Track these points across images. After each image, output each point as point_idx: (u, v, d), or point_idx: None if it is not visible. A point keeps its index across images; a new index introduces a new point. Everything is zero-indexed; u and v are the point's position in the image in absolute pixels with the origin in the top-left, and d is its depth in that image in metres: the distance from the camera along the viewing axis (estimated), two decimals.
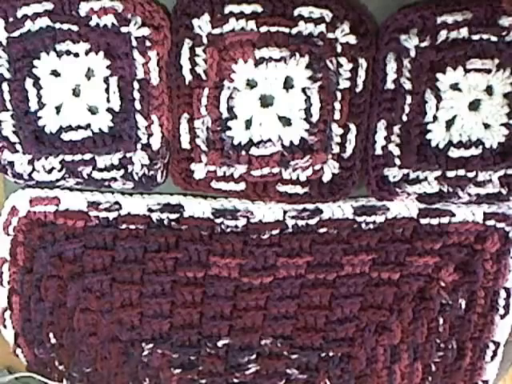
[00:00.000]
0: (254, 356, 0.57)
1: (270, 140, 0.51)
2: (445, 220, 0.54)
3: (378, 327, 0.55)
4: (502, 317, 0.56)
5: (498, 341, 0.57)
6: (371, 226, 0.54)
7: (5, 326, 0.56)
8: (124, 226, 0.54)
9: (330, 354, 0.56)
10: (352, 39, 0.48)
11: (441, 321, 0.55)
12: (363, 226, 0.54)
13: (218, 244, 0.55)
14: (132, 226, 0.54)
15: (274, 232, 0.54)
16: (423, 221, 0.54)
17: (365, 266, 0.54)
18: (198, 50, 0.48)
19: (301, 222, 0.54)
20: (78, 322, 0.55)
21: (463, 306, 0.55)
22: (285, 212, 0.54)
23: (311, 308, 0.54)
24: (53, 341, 0.57)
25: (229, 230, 0.54)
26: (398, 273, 0.54)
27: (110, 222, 0.54)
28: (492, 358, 0.58)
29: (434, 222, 0.54)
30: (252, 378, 0.58)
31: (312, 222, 0.54)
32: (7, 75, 0.50)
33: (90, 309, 0.55)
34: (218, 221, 0.54)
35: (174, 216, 0.54)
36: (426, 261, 0.54)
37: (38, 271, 0.55)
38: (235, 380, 0.58)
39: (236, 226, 0.54)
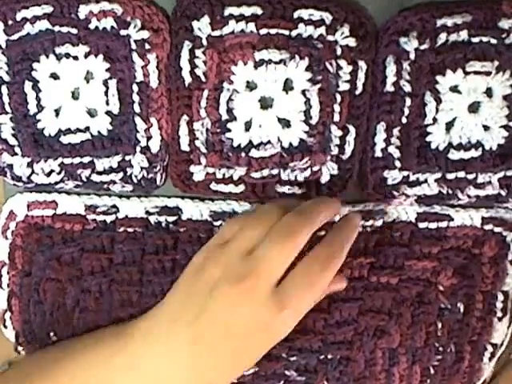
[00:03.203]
0: None
1: (269, 142, 0.51)
2: (443, 224, 0.53)
3: (377, 331, 0.55)
4: (500, 319, 0.56)
5: (495, 342, 0.57)
6: (368, 229, 0.54)
7: (5, 327, 0.56)
8: (122, 229, 0.54)
9: (329, 356, 0.56)
10: (352, 42, 0.48)
11: (439, 325, 0.55)
12: (360, 229, 0.53)
13: None
14: (130, 229, 0.54)
15: None
16: (421, 225, 0.54)
17: (363, 269, 0.54)
18: (198, 52, 0.48)
19: None
20: (78, 320, 0.55)
21: (461, 310, 0.55)
22: None
23: (310, 311, 0.53)
24: (54, 338, 0.57)
25: None
26: (396, 277, 0.54)
27: (107, 225, 0.54)
28: (490, 359, 0.58)
29: (433, 226, 0.53)
30: (251, 379, 0.58)
31: None
32: (6, 78, 0.50)
33: (89, 309, 0.55)
34: (216, 223, 0.54)
35: (171, 219, 0.54)
36: (425, 265, 0.53)
37: (37, 274, 0.54)
38: (234, 380, 0.58)
39: None
